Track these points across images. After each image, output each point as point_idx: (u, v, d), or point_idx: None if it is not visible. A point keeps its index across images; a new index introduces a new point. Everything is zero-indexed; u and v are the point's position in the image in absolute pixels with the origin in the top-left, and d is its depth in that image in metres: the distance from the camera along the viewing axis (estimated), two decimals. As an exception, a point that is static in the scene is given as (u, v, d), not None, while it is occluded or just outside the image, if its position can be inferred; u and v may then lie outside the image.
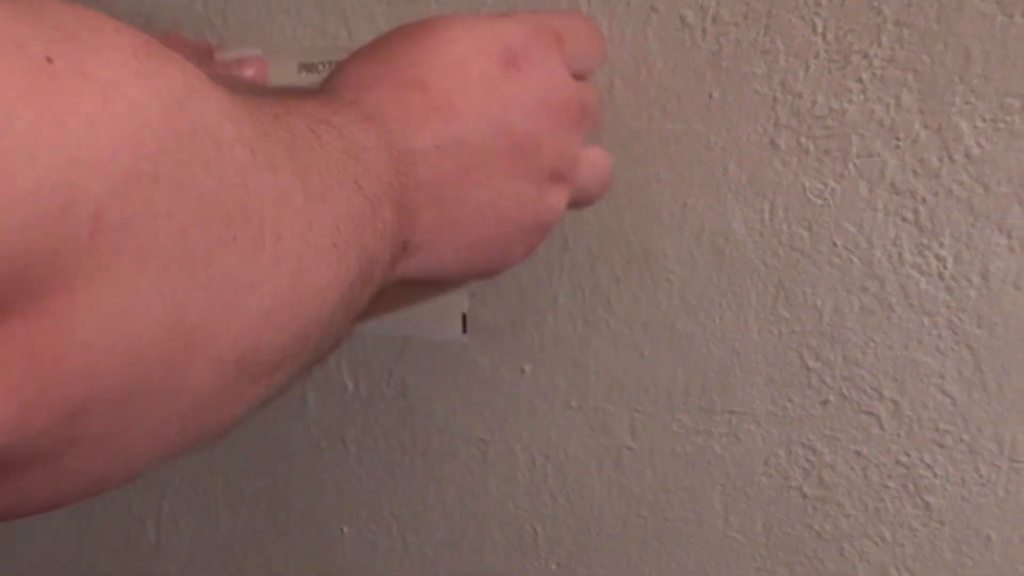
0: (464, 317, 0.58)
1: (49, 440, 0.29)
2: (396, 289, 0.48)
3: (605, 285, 0.63)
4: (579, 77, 0.53)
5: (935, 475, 0.60)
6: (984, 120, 0.55)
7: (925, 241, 0.58)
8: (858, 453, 0.61)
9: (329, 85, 0.48)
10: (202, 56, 0.61)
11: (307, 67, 0.62)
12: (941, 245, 0.57)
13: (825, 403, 0.61)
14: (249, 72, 0.60)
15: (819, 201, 0.59)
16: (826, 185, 0.58)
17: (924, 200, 0.57)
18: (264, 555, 0.75)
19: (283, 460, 0.73)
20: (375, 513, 0.71)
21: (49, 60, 0.27)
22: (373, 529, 0.72)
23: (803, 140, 0.58)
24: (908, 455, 0.60)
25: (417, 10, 0.62)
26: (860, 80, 0.57)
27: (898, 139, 0.57)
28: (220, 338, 0.33)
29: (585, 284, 0.63)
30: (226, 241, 0.32)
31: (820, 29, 0.57)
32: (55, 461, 0.31)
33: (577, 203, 0.55)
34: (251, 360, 0.35)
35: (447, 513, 0.70)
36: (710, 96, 0.59)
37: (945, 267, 0.58)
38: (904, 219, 0.58)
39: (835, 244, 0.59)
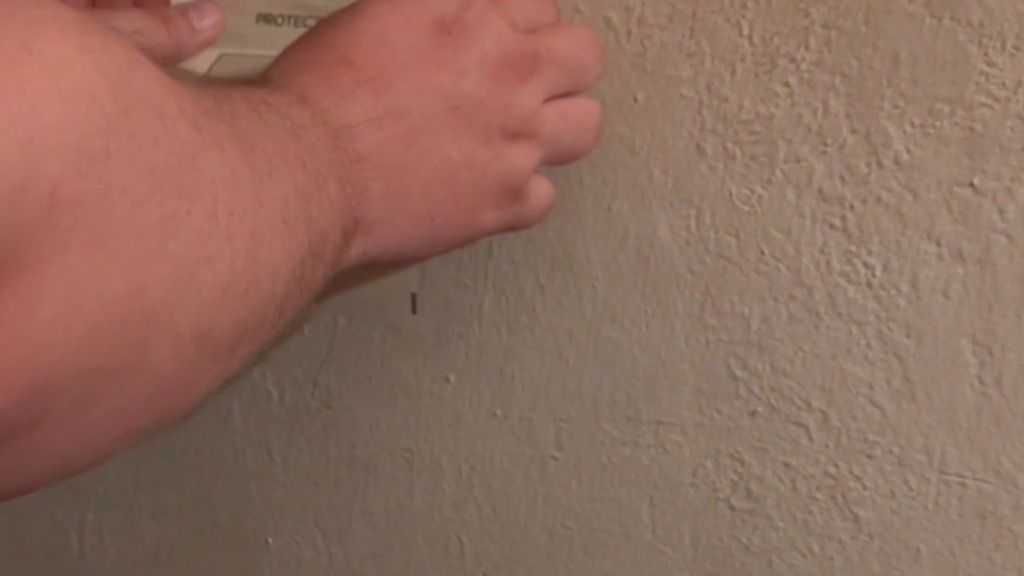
0: (413, 297, 0.57)
1: (15, 416, 0.29)
2: (355, 272, 0.48)
3: (529, 292, 0.61)
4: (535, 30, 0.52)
5: (864, 487, 0.59)
6: (913, 125, 0.54)
7: (853, 249, 0.56)
8: (787, 464, 0.60)
9: (261, 76, 0.48)
10: (149, 7, 0.59)
11: (266, 18, 0.61)
12: (870, 253, 0.56)
13: (753, 413, 0.60)
14: (207, 22, 0.59)
15: (746, 208, 0.57)
16: (753, 191, 0.57)
17: (852, 207, 0.56)
18: (189, 566, 0.74)
19: (208, 470, 0.71)
20: (300, 524, 0.70)
21: None
22: (298, 540, 0.70)
23: (730, 145, 0.57)
24: (837, 467, 0.59)
25: None
26: (787, 84, 0.55)
27: (826, 144, 0.55)
28: (180, 314, 0.33)
29: (509, 292, 0.62)
30: (181, 216, 0.32)
31: (746, 32, 0.55)
32: (23, 439, 0.31)
33: (560, 157, 0.54)
34: (210, 337, 0.35)
35: (373, 524, 0.68)
36: (635, 99, 0.57)
37: (874, 275, 0.56)
38: (832, 226, 0.56)
39: (762, 252, 0.57)
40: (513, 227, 0.54)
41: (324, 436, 0.67)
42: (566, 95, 0.53)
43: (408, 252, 0.50)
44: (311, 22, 0.60)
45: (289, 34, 0.60)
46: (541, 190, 0.54)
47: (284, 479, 0.69)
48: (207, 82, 0.42)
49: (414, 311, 0.55)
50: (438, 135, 0.48)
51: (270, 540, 0.70)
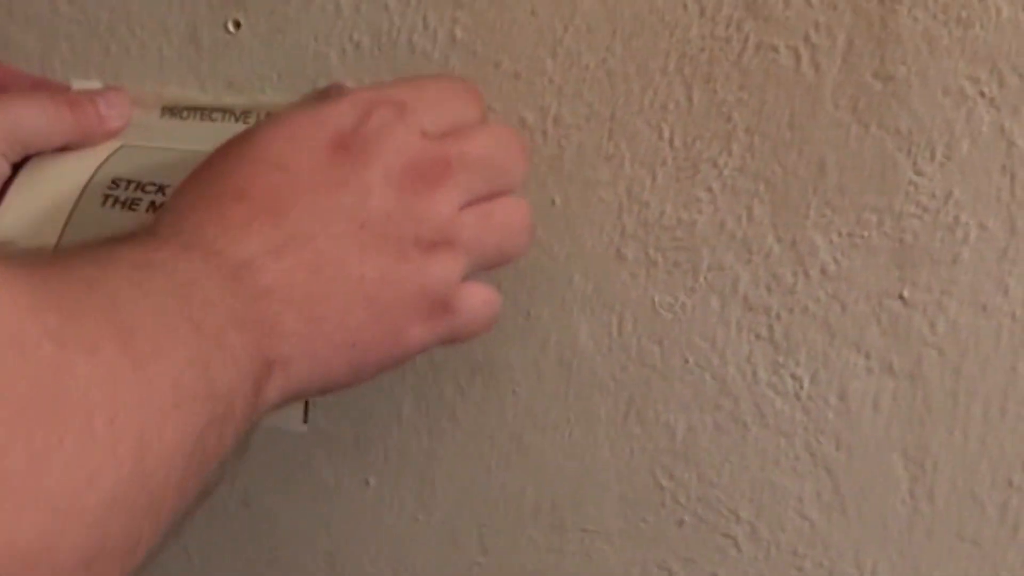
0: (306, 406, 0.54)
1: None
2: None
3: (449, 397, 0.59)
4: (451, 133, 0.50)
5: (795, 600, 0.57)
6: (840, 235, 0.52)
7: (780, 359, 0.54)
8: (715, 575, 0.58)
9: (150, 224, 0.45)
10: (53, 90, 0.57)
11: (171, 111, 0.58)
12: (797, 364, 0.54)
13: (680, 523, 0.58)
14: (114, 111, 0.57)
15: (669, 315, 0.55)
16: (676, 299, 0.55)
17: (779, 316, 0.54)
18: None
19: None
20: (221, 624, 0.68)
21: None
22: (219, 640, 0.68)
23: (651, 251, 0.54)
24: (767, 579, 0.57)
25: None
26: (710, 190, 0.53)
27: (751, 253, 0.53)
28: (60, 550, 0.31)
29: (429, 395, 0.59)
30: (52, 447, 0.30)
31: (667, 135, 0.53)
32: None
33: (489, 261, 0.51)
34: (99, 557, 0.33)
35: (295, 625, 0.66)
36: (552, 202, 0.55)
37: (801, 387, 0.54)
38: (758, 336, 0.54)
39: (687, 360, 0.55)
40: (450, 340, 0.50)
41: (244, 536, 0.65)
42: (489, 197, 0.50)
43: (333, 381, 0.47)
44: (216, 116, 0.58)
45: (194, 127, 0.57)
46: (477, 298, 0.50)
47: (204, 578, 0.67)
48: (84, 253, 0.39)
49: (305, 421, 0.52)
50: (347, 256, 0.45)
51: (190, 640, 0.68)
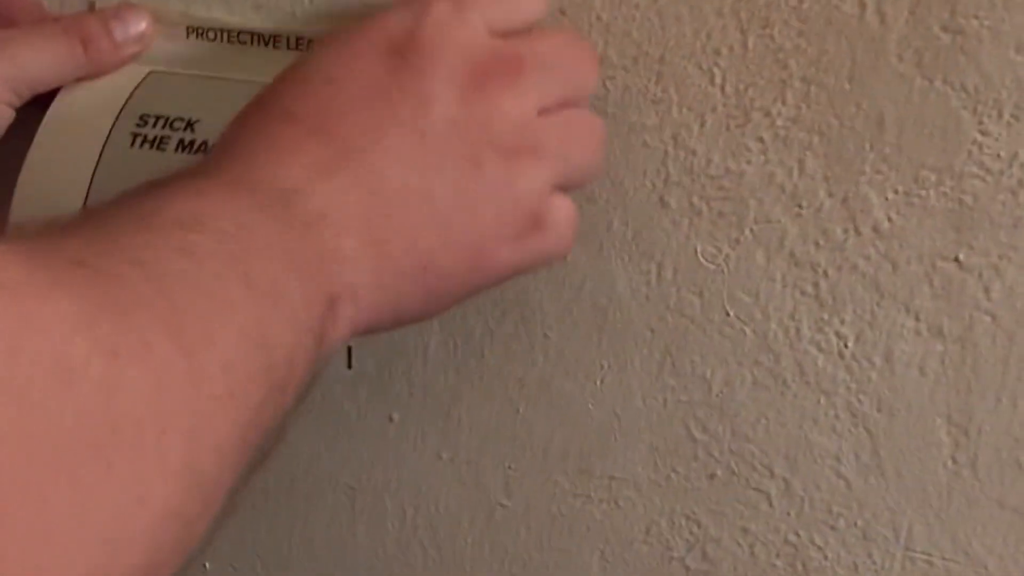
0: (349, 350, 0.51)
1: None
2: None
3: (478, 335, 0.57)
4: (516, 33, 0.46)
5: (825, 557, 0.56)
6: (896, 192, 0.49)
7: (825, 317, 0.52)
8: (745, 529, 0.57)
9: (202, 161, 0.43)
10: (65, 24, 0.54)
11: (197, 32, 0.55)
12: (842, 322, 0.52)
13: (712, 476, 0.56)
14: (132, 32, 0.54)
15: (712, 266, 0.53)
16: (720, 250, 0.52)
17: (826, 274, 0.51)
18: None
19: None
20: (239, 550, 0.66)
21: None
22: (237, 566, 0.67)
23: (696, 200, 0.52)
24: (798, 535, 0.56)
25: None
26: (761, 140, 0.50)
27: (800, 207, 0.51)
28: (112, 574, 0.30)
29: (457, 332, 0.58)
30: (100, 480, 0.29)
31: (719, 81, 0.50)
32: None
33: (572, 177, 0.46)
34: (156, 566, 0.31)
35: (314, 555, 0.65)
36: (595, 144, 0.52)
37: (846, 346, 0.52)
38: (803, 292, 0.52)
39: (728, 313, 0.53)
40: (540, 261, 0.47)
41: (262, 465, 0.64)
42: (563, 106, 0.46)
43: (407, 311, 0.44)
44: (245, 38, 0.55)
45: (222, 51, 0.55)
46: (563, 213, 0.46)
47: (221, 504, 0.66)
48: (125, 215, 0.36)
49: (349, 366, 0.50)
50: (408, 171, 0.42)
51: (208, 565, 0.67)
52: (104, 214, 0.37)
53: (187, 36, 0.56)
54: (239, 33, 0.55)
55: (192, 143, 0.50)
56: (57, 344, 0.28)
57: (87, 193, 0.49)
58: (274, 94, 0.44)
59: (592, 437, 0.58)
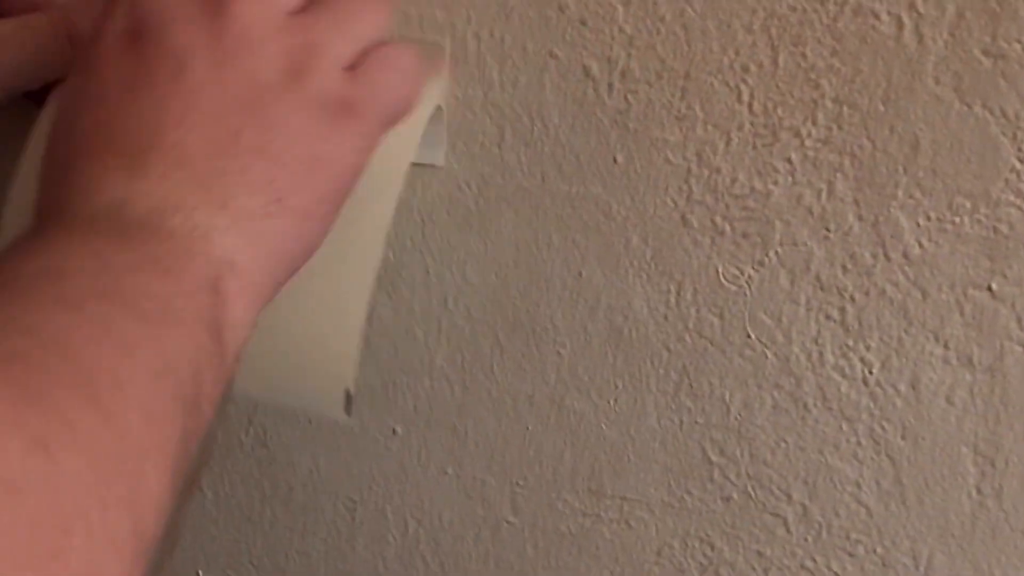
0: (348, 394, 0.48)
1: None
2: None
3: (487, 350, 0.55)
4: None
5: (843, 584, 0.55)
6: (929, 218, 0.48)
7: (851, 342, 0.50)
8: (760, 554, 0.55)
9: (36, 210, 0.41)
10: (54, 18, 0.51)
11: None
12: (868, 348, 0.50)
13: (727, 499, 0.55)
14: None
15: (733, 287, 0.51)
16: (742, 271, 0.50)
17: (853, 298, 0.50)
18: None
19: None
20: (234, 559, 0.65)
21: None
22: (232, 575, 0.65)
23: (719, 220, 0.50)
24: (815, 560, 0.54)
25: None
26: (789, 160, 0.48)
27: (828, 230, 0.49)
28: None
29: (464, 347, 0.55)
30: None
31: (746, 98, 0.48)
32: None
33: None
34: None
35: (311, 566, 0.63)
36: (614, 159, 0.50)
37: (871, 372, 0.51)
38: (829, 317, 0.50)
39: (749, 335, 0.51)
40: (384, 124, 0.43)
41: (259, 475, 0.62)
42: None
43: (292, 250, 0.40)
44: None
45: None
46: (378, 73, 0.42)
47: (216, 513, 0.64)
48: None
49: (348, 413, 0.47)
50: (205, 127, 0.39)
51: (201, 573, 0.66)
52: None
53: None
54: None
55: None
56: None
57: None
58: (55, 131, 0.42)
59: (604, 456, 0.56)
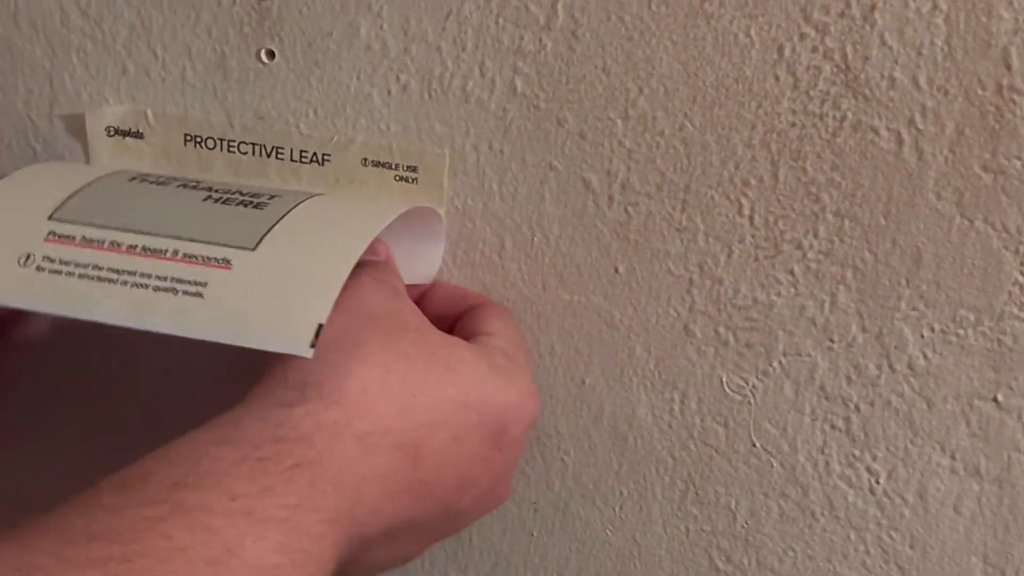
0: (319, 329, 0.44)
1: None
2: None
3: (492, 458, 0.55)
4: None
5: None
6: (932, 330, 0.47)
7: (857, 452, 0.50)
8: (769, 662, 0.55)
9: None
10: None
11: (195, 140, 0.53)
12: (874, 458, 0.50)
13: (735, 607, 0.54)
14: None
15: (738, 397, 0.50)
16: (747, 381, 0.50)
17: (858, 409, 0.49)
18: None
19: None
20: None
21: None
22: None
23: (722, 330, 0.50)
24: (825, 669, 0.54)
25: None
26: (791, 272, 0.48)
27: (832, 340, 0.48)
28: None
29: (469, 455, 0.55)
30: None
31: (747, 211, 0.48)
32: None
33: None
34: None
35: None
36: (615, 270, 0.50)
37: (877, 482, 0.50)
38: (834, 426, 0.50)
39: (754, 444, 0.51)
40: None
41: None
42: None
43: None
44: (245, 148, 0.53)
45: (218, 159, 0.52)
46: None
47: None
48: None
49: (313, 346, 0.42)
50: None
51: None
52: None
53: (184, 144, 0.53)
54: (239, 144, 0.53)
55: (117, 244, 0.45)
56: None
57: None
58: None
59: (610, 564, 0.55)
